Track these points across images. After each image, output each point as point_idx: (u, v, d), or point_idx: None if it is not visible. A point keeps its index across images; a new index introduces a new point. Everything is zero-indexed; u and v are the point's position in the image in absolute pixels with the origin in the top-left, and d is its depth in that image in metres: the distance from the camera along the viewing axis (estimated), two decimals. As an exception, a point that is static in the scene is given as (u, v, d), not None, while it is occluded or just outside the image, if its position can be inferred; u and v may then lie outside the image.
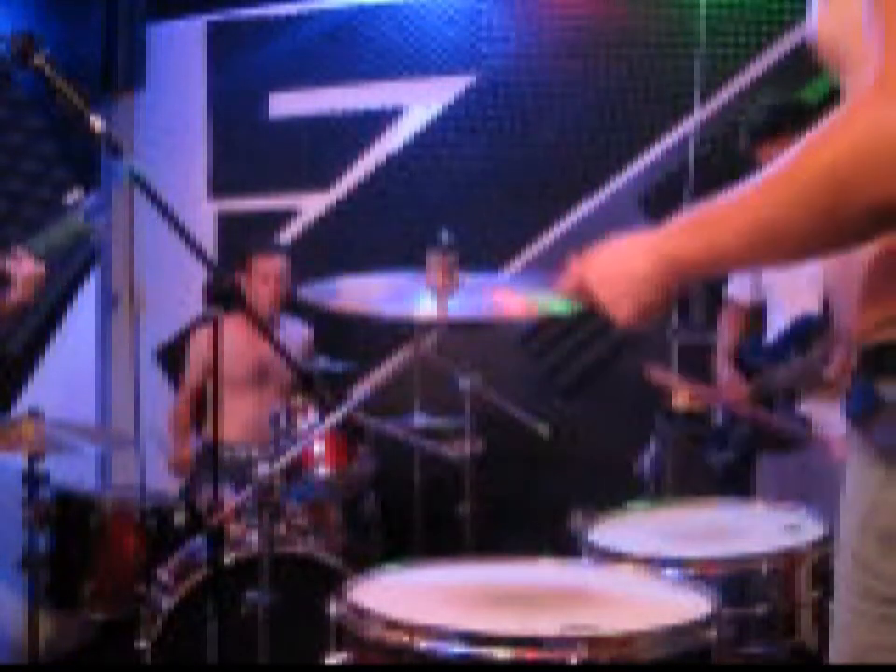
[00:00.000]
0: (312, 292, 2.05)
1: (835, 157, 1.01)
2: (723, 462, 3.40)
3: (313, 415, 3.41)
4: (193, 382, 4.29)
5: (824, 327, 3.03)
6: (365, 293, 2.16)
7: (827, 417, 3.01)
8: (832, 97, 3.66)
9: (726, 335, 3.56)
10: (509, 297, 1.97)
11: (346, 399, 2.75)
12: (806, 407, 3.13)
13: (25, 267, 2.82)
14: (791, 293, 3.26)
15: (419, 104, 4.61)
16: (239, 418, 3.96)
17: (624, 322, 1.32)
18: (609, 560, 1.94)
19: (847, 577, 1.17)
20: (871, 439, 1.14)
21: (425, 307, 2.00)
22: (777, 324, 3.33)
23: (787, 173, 1.08)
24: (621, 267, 1.31)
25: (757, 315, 3.51)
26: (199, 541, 3.18)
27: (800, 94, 3.83)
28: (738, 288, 3.53)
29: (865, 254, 1.12)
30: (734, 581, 1.92)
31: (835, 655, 1.19)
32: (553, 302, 1.75)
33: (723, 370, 3.45)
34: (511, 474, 4.23)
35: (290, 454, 2.89)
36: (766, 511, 2.35)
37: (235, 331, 3.78)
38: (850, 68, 1.13)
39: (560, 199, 4.38)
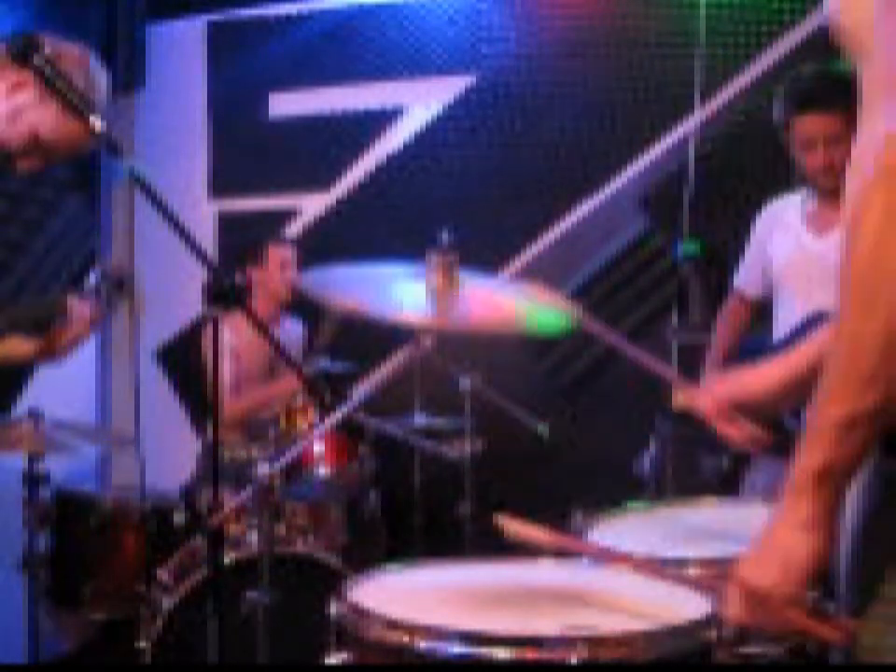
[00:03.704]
0: (312, 282, 2.02)
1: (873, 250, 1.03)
2: (715, 467, 3.35)
3: (313, 415, 3.41)
4: (228, 375, 4.15)
5: None
6: (365, 293, 2.15)
7: None
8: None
9: (725, 328, 3.41)
10: (507, 311, 1.95)
11: (346, 398, 2.75)
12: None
13: (84, 306, 2.85)
14: (806, 289, 3.07)
15: (419, 104, 4.61)
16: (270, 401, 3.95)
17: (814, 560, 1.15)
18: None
19: (850, 580, 1.17)
20: (880, 443, 1.14)
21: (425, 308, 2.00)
22: (787, 321, 3.15)
23: (843, 295, 1.08)
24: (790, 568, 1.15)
25: (759, 311, 3.41)
26: (199, 541, 3.18)
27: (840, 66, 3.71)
28: (746, 281, 3.39)
29: None
30: (734, 581, 1.91)
31: (840, 659, 1.18)
32: (549, 318, 1.74)
33: (711, 368, 3.33)
34: (511, 474, 4.23)
35: (290, 454, 2.89)
36: (766, 511, 2.34)
37: (245, 326, 3.78)
38: (865, 58, 1.12)
39: (560, 199, 4.37)
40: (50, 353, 2.88)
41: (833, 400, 1.07)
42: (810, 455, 1.10)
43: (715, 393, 1.59)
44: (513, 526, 1.57)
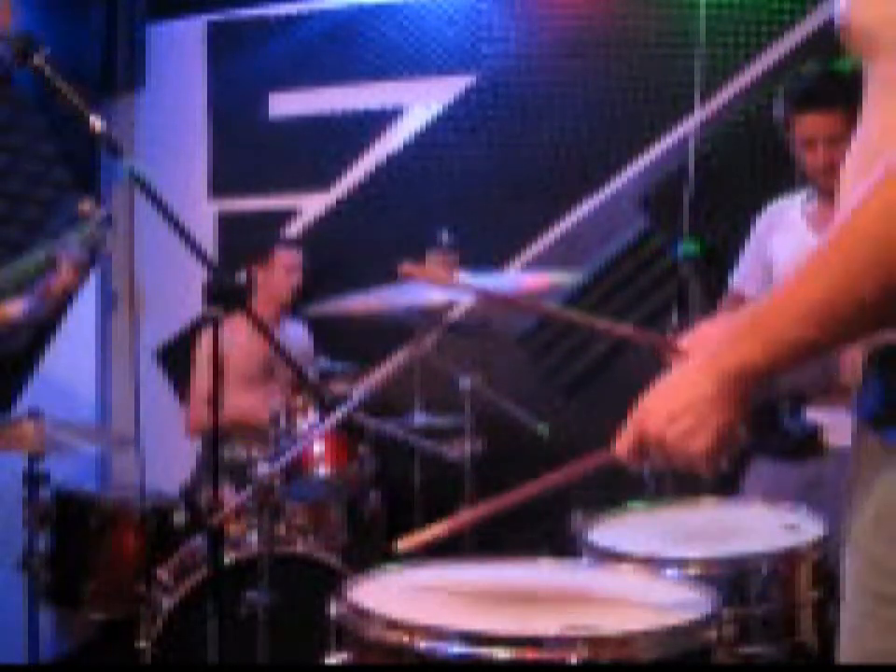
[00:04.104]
0: (320, 308, 2.05)
1: (875, 219, 1.02)
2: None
3: (313, 415, 3.41)
4: (206, 385, 4.19)
5: None
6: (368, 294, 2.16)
7: (837, 424, 2.86)
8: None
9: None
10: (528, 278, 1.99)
11: (346, 398, 2.75)
12: (813, 414, 3.03)
13: (72, 254, 2.92)
14: None
15: (419, 104, 4.61)
16: (248, 413, 3.96)
17: (704, 456, 1.21)
18: (609, 560, 1.94)
19: (857, 580, 1.16)
20: (883, 440, 1.14)
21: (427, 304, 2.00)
22: None
23: (832, 246, 1.07)
24: (681, 401, 1.21)
25: None
26: (199, 541, 3.18)
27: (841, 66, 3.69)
28: (744, 280, 3.35)
29: None
30: (734, 581, 1.92)
31: (844, 658, 1.17)
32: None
33: None
34: (511, 474, 4.22)
35: (290, 454, 2.89)
36: (766, 511, 2.35)
37: (244, 327, 3.78)
38: (877, 56, 1.12)
39: (560, 199, 4.37)
40: (41, 302, 2.96)
41: (798, 325, 1.09)
42: (755, 351, 1.13)
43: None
44: (410, 541, 1.61)
